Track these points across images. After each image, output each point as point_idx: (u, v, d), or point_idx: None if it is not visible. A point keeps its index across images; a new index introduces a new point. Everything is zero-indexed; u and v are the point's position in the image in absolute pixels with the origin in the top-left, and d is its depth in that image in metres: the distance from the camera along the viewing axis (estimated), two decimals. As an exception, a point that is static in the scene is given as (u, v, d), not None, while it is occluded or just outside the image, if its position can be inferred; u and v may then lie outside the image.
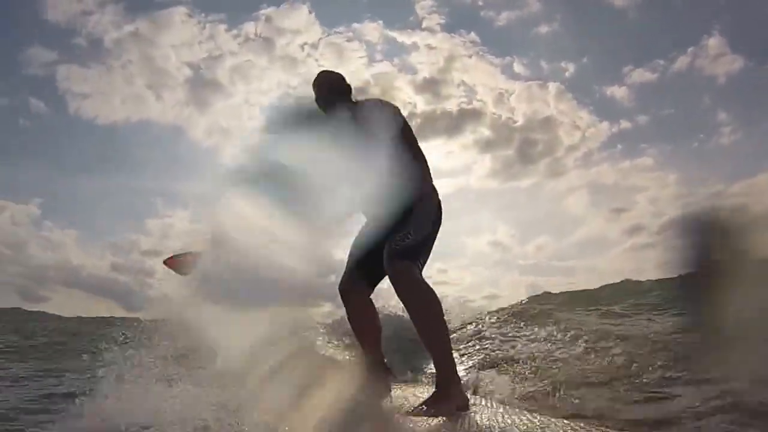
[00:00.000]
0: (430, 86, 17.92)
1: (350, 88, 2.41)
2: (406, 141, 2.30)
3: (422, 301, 2.03)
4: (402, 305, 2.12)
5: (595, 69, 18.24)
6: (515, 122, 17.70)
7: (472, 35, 17.41)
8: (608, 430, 1.77)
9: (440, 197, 2.30)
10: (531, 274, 16.98)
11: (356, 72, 17.40)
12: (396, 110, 2.29)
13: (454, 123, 17.68)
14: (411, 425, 1.77)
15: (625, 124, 17.71)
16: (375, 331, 2.47)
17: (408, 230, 2.08)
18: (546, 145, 17.96)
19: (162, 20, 17.53)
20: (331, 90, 2.37)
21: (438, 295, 2.05)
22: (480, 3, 17.79)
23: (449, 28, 17.67)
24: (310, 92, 2.42)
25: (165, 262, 2.50)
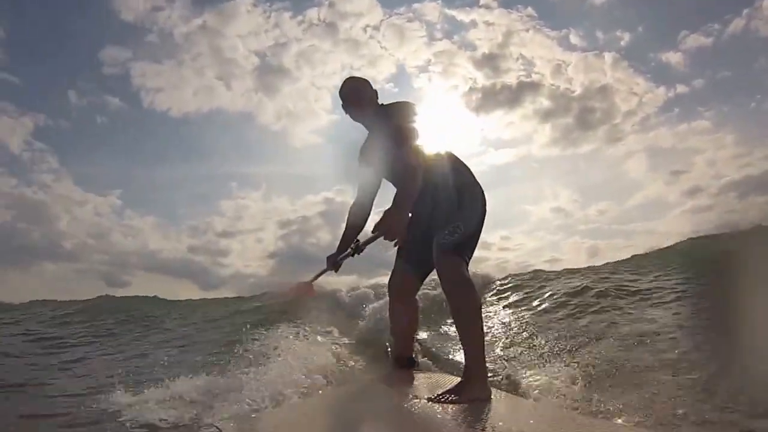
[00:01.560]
0: (490, 61, 18.16)
1: (376, 93, 2.39)
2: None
3: (464, 298, 2.07)
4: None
5: (650, 36, 17.95)
6: (573, 92, 17.69)
7: (529, 10, 17.42)
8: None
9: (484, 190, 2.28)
10: (592, 238, 16.99)
11: (417, 51, 17.73)
12: (398, 122, 2.20)
13: (513, 95, 17.94)
14: (431, 412, 1.80)
15: (681, 89, 17.42)
16: (412, 330, 2.56)
17: (458, 223, 2.11)
18: (604, 112, 17.86)
19: (228, 11, 18.47)
20: (358, 97, 2.35)
21: (477, 290, 2.09)
22: None
23: (506, 4, 17.84)
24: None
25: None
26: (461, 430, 1.52)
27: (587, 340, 3.70)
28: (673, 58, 17.45)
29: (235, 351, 3.56)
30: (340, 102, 2.40)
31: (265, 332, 4.00)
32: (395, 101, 2.31)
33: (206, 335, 5.85)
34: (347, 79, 2.43)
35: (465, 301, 2.06)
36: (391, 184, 2.38)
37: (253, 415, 2.15)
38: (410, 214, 2.25)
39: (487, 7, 17.56)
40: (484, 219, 2.23)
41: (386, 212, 1.97)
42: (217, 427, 1.70)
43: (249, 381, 2.74)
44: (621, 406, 2.28)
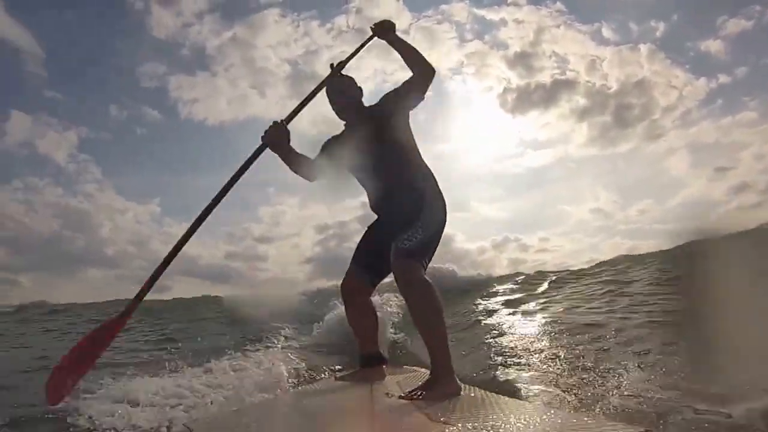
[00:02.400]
0: (522, 60, 18.20)
1: (361, 91, 2.50)
2: (413, 137, 2.39)
3: (422, 299, 2.10)
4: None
5: (687, 24, 17.39)
6: (609, 88, 17.53)
7: (558, 5, 17.25)
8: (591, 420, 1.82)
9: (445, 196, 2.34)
10: (633, 239, 16.72)
11: (448, 53, 17.49)
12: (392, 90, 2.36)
13: (548, 94, 17.82)
14: (401, 409, 1.83)
15: (723, 79, 16.93)
16: (373, 330, 2.56)
17: (417, 228, 2.14)
18: (642, 108, 17.66)
19: (257, 23, 18.58)
20: (344, 96, 2.46)
21: (438, 292, 2.12)
22: None
23: (535, 1, 17.58)
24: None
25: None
26: (434, 426, 1.56)
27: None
28: (712, 46, 16.89)
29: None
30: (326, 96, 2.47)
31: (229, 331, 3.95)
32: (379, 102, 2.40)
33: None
34: (335, 79, 2.51)
35: (423, 302, 2.09)
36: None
37: (221, 415, 2.12)
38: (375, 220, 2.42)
39: (516, 4, 17.54)
40: (443, 226, 2.27)
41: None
42: (187, 427, 1.67)
43: (218, 381, 2.70)
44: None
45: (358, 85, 2.55)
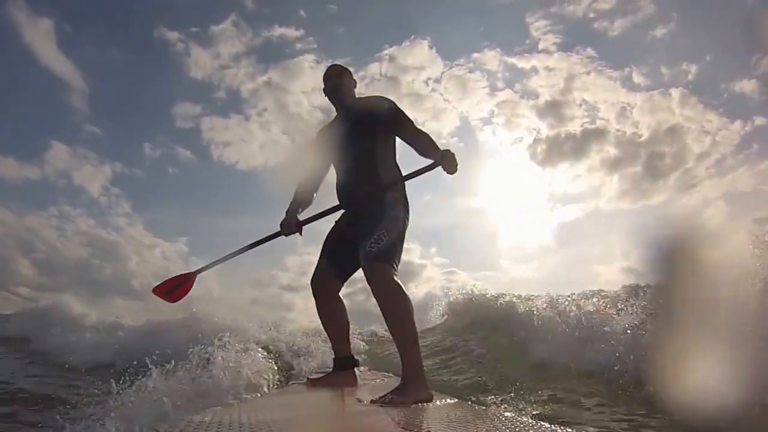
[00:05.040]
0: (553, 109, 17.62)
1: (355, 83, 2.59)
2: (394, 140, 2.41)
3: (395, 301, 2.11)
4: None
5: (720, 65, 16.51)
6: (640, 136, 16.76)
7: (589, 51, 16.78)
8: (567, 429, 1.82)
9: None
10: None
11: (480, 102, 17.20)
12: (392, 104, 2.41)
13: (578, 145, 17.10)
14: (371, 415, 1.79)
15: (759, 120, 15.88)
16: (344, 326, 2.54)
17: (382, 231, 2.17)
18: (674, 156, 16.71)
19: (292, 68, 18.45)
20: (338, 82, 2.53)
21: (409, 295, 2.15)
22: (592, 15, 16.97)
23: (565, 47, 17.18)
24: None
25: (153, 291, 2.53)
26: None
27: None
28: (747, 86, 15.85)
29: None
30: (322, 86, 2.56)
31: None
32: (373, 95, 2.50)
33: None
34: (333, 64, 2.61)
35: (396, 306, 2.11)
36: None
37: (195, 420, 2.05)
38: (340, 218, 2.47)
39: (547, 51, 17.00)
40: (406, 224, 2.32)
41: (441, 153, 2.18)
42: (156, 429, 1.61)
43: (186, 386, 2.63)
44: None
45: (351, 78, 2.60)
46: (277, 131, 19.21)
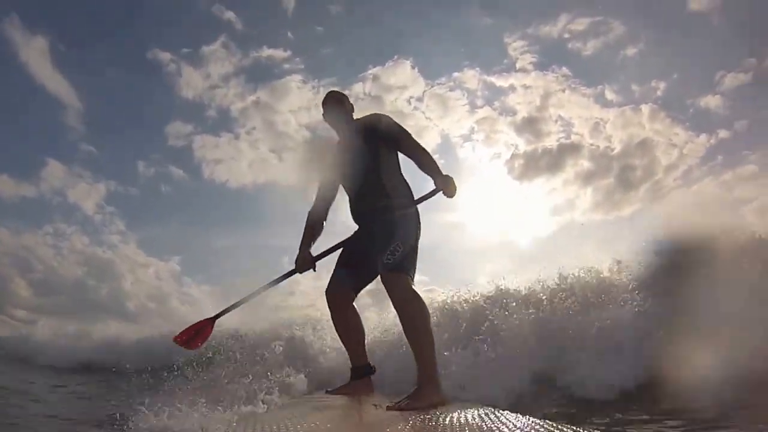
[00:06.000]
0: (530, 125, 18.48)
1: (352, 107, 2.67)
2: (398, 155, 2.51)
3: (413, 309, 2.20)
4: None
5: (686, 82, 17.67)
6: (613, 150, 17.78)
7: (564, 69, 17.79)
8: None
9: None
10: None
11: (460, 120, 18.30)
12: (390, 120, 2.49)
13: (554, 160, 18.08)
14: (387, 421, 1.84)
15: (723, 134, 16.98)
16: (359, 335, 2.60)
17: (396, 243, 2.24)
18: (644, 169, 17.70)
19: (280, 88, 19.46)
20: (335, 108, 2.62)
21: (425, 303, 2.25)
22: (566, 35, 18.19)
23: (541, 66, 18.18)
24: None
25: (174, 340, 2.60)
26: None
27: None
28: (712, 101, 16.87)
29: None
30: (321, 111, 2.66)
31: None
32: (371, 113, 2.57)
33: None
34: (330, 90, 2.69)
35: (414, 314, 2.20)
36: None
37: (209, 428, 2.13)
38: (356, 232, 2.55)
39: (524, 70, 17.88)
40: (419, 236, 2.40)
41: (442, 178, 2.33)
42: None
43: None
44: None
45: (349, 102, 2.68)
46: (265, 149, 20.15)
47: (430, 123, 18.26)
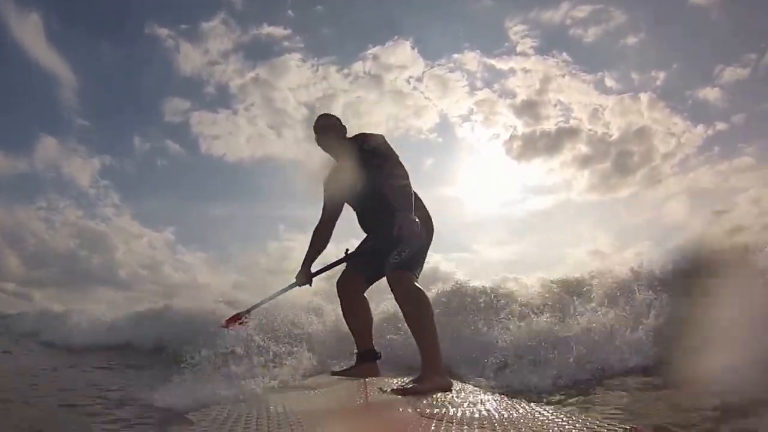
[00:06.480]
0: (529, 108, 18.51)
1: (345, 129, 2.66)
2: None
3: (414, 302, 2.27)
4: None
5: (686, 74, 17.76)
6: (611, 136, 17.94)
7: (564, 55, 17.77)
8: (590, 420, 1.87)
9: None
10: None
11: (459, 101, 18.39)
12: (382, 141, 2.48)
13: (552, 142, 18.29)
14: (393, 403, 1.88)
15: (720, 126, 17.12)
16: (367, 324, 2.66)
17: (402, 247, 2.30)
18: (642, 155, 18.04)
19: (279, 66, 19.50)
20: (327, 133, 2.62)
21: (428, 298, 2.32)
22: (568, 22, 18.14)
23: (542, 51, 18.10)
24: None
25: (223, 325, 2.94)
26: (423, 420, 1.61)
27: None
28: (710, 94, 16.92)
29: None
30: (314, 135, 2.65)
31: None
32: (360, 132, 2.56)
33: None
34: (320, 115, 2.69)
35: (416, 307, 2.27)
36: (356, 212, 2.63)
37: (225, 410, 2.18)
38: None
39: (525, 54, 17.78)
40: (428, 242, 2.45)
41: (403, 216, 2.19)
42: (186, 418, 1.73)
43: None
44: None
45: (341, 124, 2.66)
46: (264, 125, 20.29)
47: (429, 103, 18.40)
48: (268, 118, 20.10)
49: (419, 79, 18.55)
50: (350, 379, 2.57)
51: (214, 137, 20.35)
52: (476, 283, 4.70)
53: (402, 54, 18.81)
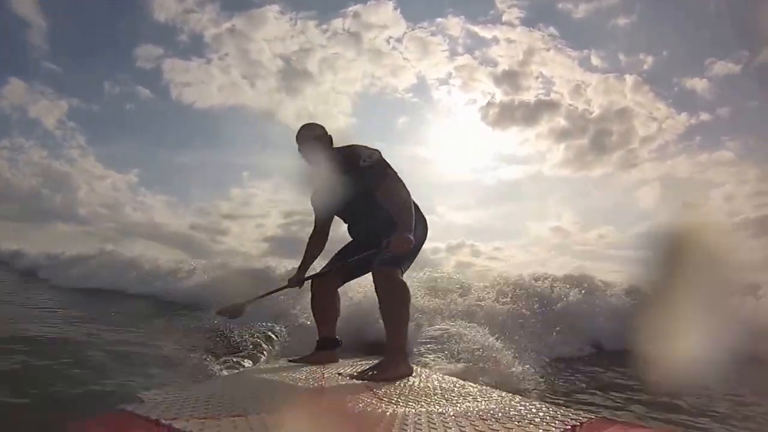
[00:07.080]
0: (509, 78, 18.18)
1: (331, 139, 2.56)
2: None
3: (392, 289, 2.24)
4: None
5: (675, 61, 17.41)
6: (591, 113, 17.50)
7: (551, 29, 17.38)
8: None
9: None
10: (582, 260, 16.46)
11: (438, 64, 18.01)
12: (377, 157, 2.38)
13: (530, 113, 17.93)
14: (351, 388, 1.84)
15: (704, 116, 16.74)
16: (334, 314, 2.64)
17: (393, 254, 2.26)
18: (621, 136, 17.60)
19: (257, 17, 19.17)
20: (313, 145, 2.50)
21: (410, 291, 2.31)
22: None
23: (528, 23, 17.78)
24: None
25: (218, 312, 2.88)
26: (381, 405, 1.57)
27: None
28: (698, 84, 16.63)
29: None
30: (296, 146, 2.55)
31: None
32: (351, 145, 2.48)
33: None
34: (304, 125, 2.58)
35: (393, 293, 2.25)
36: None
37: (178, 391, 2.07)
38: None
39: (510, 24, 17.50)
40: (420, 243, 2.40)
41: (395, 238, 2.15)
42: (138, 397, 1.63)
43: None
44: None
45: (326, 134, 2.56)
46: (237, 75, 20.06)
47: (408, 64, 18.41)
48: (242, 68, 19.72)
49: (399, 40, 18.44)
50: (307, 364, 2.51)
51: (186, 84, 19.95)
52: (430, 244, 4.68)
53: (384, 14, 18.67)
